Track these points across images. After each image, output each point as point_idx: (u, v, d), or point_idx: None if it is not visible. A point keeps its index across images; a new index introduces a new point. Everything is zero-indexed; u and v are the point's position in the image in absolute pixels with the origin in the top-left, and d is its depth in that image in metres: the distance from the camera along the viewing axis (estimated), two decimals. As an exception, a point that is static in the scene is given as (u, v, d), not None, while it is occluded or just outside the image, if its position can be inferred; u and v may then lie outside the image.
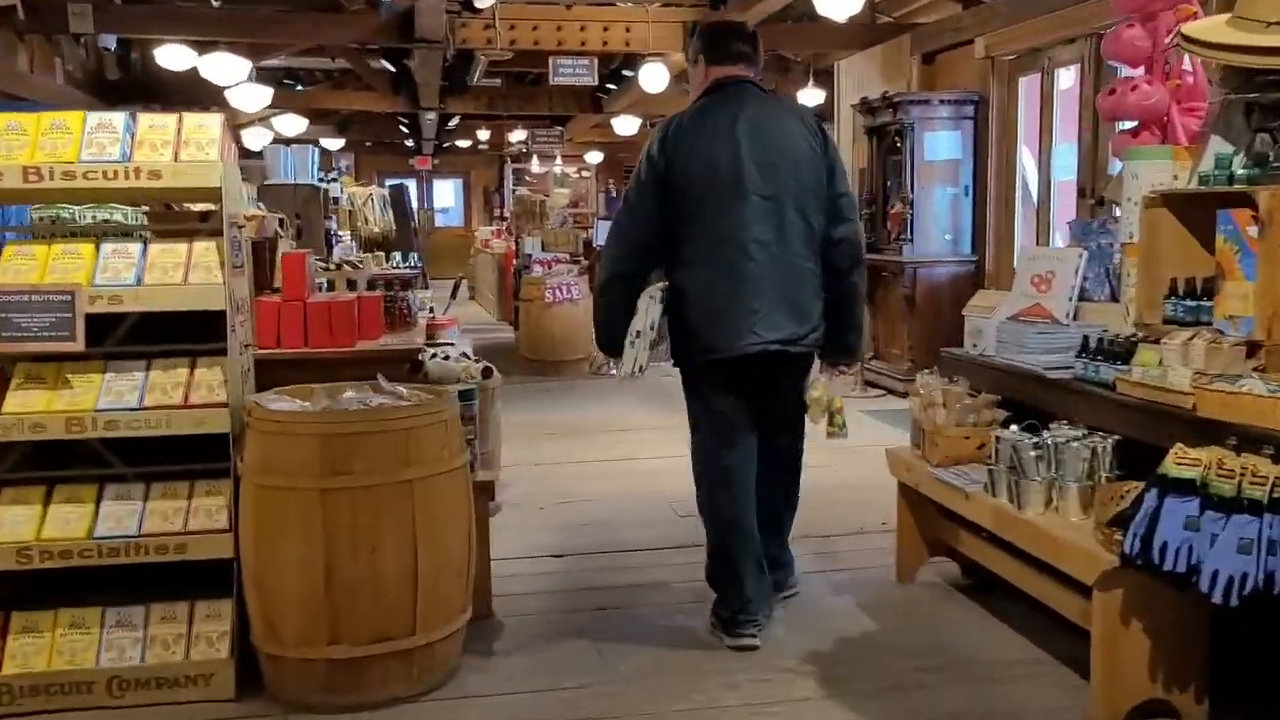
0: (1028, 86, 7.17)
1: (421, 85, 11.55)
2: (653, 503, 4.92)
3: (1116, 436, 2.87)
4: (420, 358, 3.70)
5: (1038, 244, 7.10)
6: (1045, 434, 2.97)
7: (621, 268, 3.20)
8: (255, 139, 16.29)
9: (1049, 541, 2.80)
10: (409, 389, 3.12)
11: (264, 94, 11.32)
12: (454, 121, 15.18)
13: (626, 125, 15.39)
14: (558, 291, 8.62)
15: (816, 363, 3.36)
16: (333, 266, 4.04)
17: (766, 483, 3.34)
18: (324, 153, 20.59)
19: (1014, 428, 3.08)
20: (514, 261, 10.19)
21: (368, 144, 22.03)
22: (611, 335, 3.24)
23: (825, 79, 12.62)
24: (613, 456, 5.99)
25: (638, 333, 3.10)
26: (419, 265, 5.88)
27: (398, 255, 5.96)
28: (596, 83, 9.67)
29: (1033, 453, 2.90)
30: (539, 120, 15.53)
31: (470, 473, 3.13)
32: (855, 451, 5.88)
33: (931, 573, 3.75)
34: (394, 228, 8.80)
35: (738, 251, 3.04)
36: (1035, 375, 3.20)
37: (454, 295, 7.15)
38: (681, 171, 3.07)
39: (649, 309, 3.10)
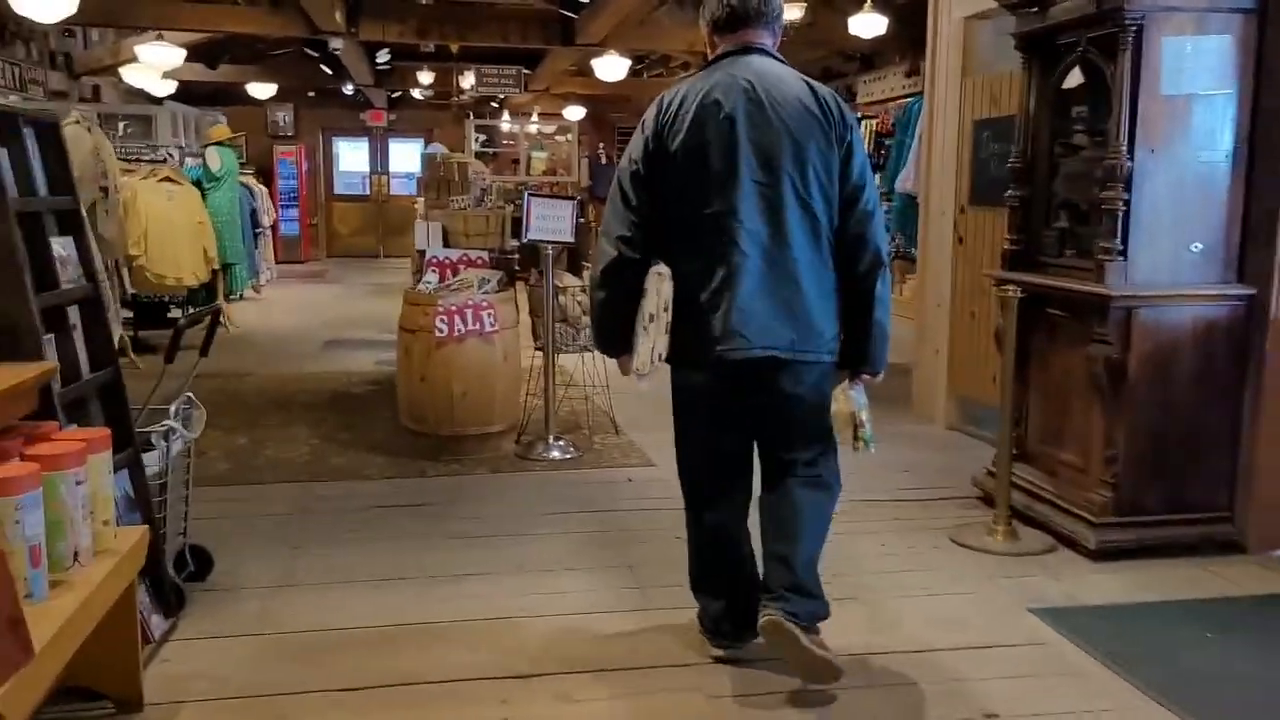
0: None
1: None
2: None
3: None
4: None
5: None
6: None
7: (624, 249, 2.74)
8: (144, 79, 12.58)
9: None
10: None
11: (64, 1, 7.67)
12: (382, 57, 11.43)
13: (611, 68, 11.69)
14: (460, 319, 4.97)
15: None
16: None
17: (772, 521, 2.82)
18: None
19: None
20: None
21: (310, 95, 18.28)
22: (612, 333, 2.82)
23: (883, 6, 8.98)
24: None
25: (650, 316, 2.70)
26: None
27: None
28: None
29: None
30: (489, 53, 11.73)
31: None
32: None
33: None
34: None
35: (728, 244, 2.67)
36: None
37: (170, 352, 3.43)
38: (671, 151, 2.71)
39: (660, 288, 2.71)
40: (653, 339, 2.72)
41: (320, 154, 19.28)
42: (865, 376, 2.86)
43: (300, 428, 5.77)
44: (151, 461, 3.11)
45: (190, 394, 3.34)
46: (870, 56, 12.23)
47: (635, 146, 2.80)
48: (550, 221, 5.01)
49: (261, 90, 16.47)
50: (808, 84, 2.75)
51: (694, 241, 2.71)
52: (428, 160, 6.72)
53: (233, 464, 5.02)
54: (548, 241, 5.08)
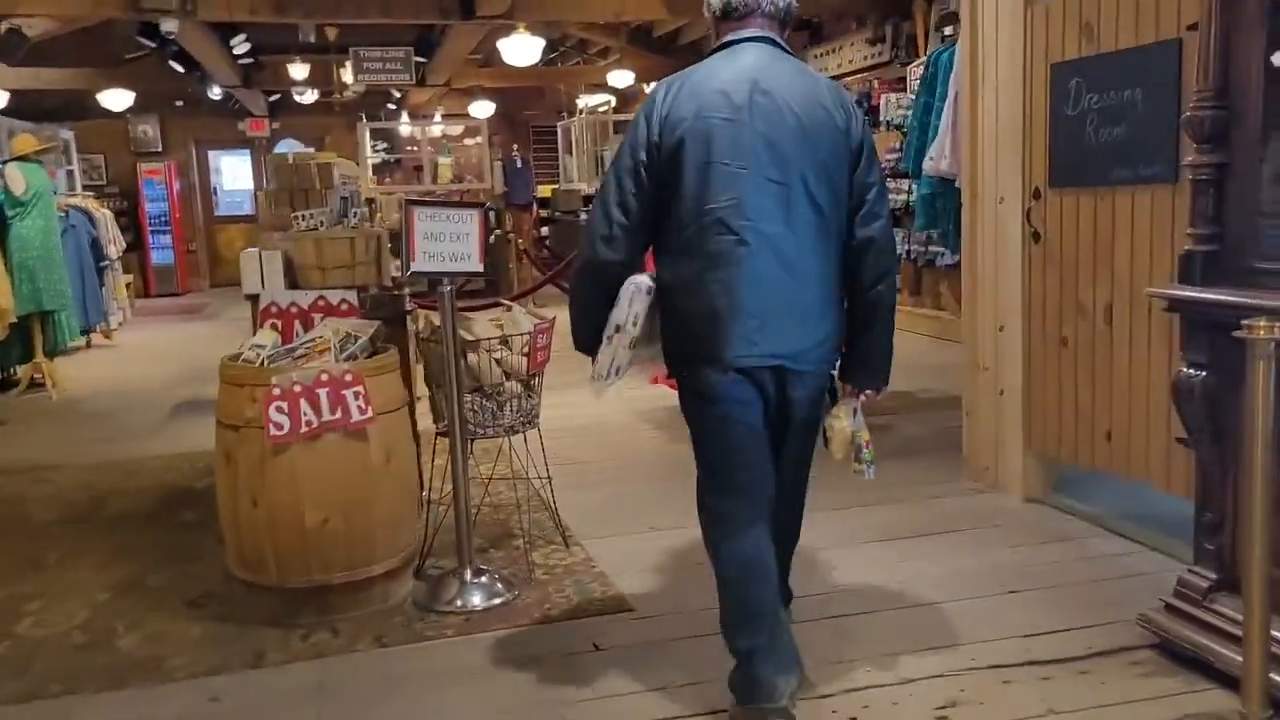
0: None
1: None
2: None
3: None
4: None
5: None
6: None
7: (604, 250, 2.59)
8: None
9: None
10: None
11: None
12: (239, 44, 9.41)
13: (521, 50, 9.90)
14: (309, 405, 3.10)
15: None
16: None
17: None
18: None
19: None
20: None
21: (178, 104, 16.04)
22: (586, 336, 2.68)
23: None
24: None
25: (617, 327, 2.58)
26: None
27: None
28: None
29: None
30: (375, 37, 9.79)
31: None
32: None
33: None
34: None
35: (736, 244, 2.48)
36: None
37: None
38: (673, 144, 2.51)
39: (633, 300, 2.57)
40: (614, 351, 2.59)
41: (195, 171, 17.04)
42: (868, 392, 2.70)
43: (90, 569, 3.84)
44: None
45: None
46: (820, 25, 10.60)
47: (633, 137, 2.59)
48: (445, 243, 3.18)
49: (116, 99, 14.19)
50: (816, 78, 2.62)
51: (698, 241, 2.50)
52: (274, 165, 4.79)
53: (-52, 663, 3.08)
54: (444, 273, 3.25)
